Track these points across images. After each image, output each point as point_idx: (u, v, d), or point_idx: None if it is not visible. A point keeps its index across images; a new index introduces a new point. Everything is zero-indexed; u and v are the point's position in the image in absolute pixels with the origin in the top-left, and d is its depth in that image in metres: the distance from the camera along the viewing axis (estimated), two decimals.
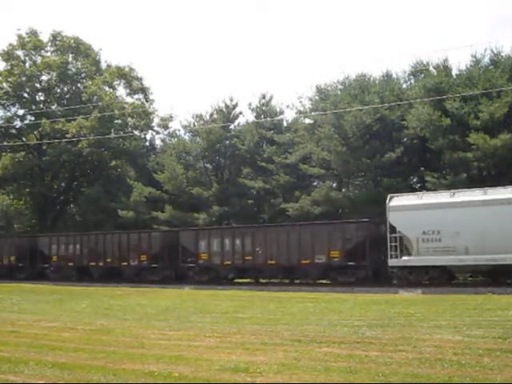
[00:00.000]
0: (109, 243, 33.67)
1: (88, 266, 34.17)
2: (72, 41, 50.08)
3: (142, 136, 49.89)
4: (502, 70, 30.68)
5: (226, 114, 42.34)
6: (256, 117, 42.26)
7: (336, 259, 26.49)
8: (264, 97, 42.47)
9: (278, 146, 39.26)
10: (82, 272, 34.45)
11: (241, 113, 43.17)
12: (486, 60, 33.07)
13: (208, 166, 44.81)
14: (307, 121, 40.73)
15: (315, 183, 39.54)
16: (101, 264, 33.63)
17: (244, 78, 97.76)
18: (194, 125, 44.01)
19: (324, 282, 28.80)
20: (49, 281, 33.87)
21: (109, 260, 33.33)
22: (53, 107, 49.64)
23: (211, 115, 43.15)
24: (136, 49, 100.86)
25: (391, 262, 24.56)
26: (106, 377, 7.99)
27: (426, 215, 24.01)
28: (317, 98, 40.17)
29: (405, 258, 24.34)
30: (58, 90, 50.63)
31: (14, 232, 50.36)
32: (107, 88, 49.41)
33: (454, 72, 33.84)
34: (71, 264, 34.70)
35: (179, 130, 46.91)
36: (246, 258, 28.84)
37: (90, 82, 48.59)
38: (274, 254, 28.09)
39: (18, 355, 9.66)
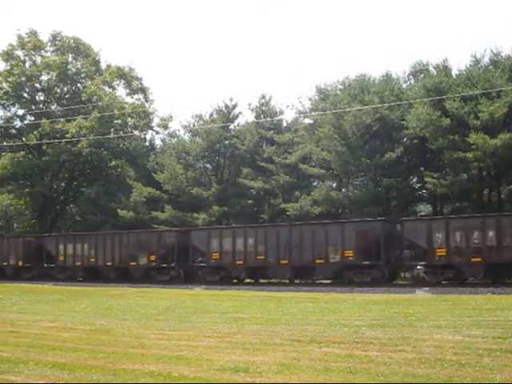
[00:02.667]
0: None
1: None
2: (72, 41, 50.11)
3: (142, 136, 49.96)
4: (501, 70, 30.71)
5: (226, 114, 42.35)
6: (256, 117, 42.28)
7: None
8: (264, 97, 42.53)
9: (278, 146, 39.28)
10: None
11: (240, 113, 43.32)
12: (486, 60, 33.15)
13: (208, 166, 44.84)
14: (307, 121, 40.80)
15: (315, 183, 39.57)
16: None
17: (244, 78, 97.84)
18: (194, 125, 44.05)
19: (324, 281, 28.83)
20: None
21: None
22: (52, 107, 49.66)
23: (211, 115, 43.19)
24: (136, 49, 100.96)
25: None
26: (106, 377, 7.98)
27: None
28: (316, 98, 40.21)
29: None
30: (58, 90, 50.64)
31: (18, 232, 50.34)
32: (107, 88, 49.47)
33: (454, 72, 33.95)
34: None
35: (179, 130, 47.08)
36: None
37: (90, 82, 48.61)
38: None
39: (17, 355, 9.65)
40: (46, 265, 36.03)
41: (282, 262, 27.88)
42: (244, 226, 32.58)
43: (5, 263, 37.24)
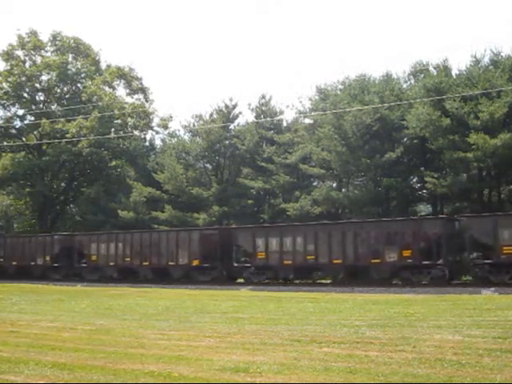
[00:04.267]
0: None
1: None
2: (72, 41, 50.14)
3: (142, 136, 49.96)
4: (501, 70, 30.71)
5: (226, 114, 42.36)
6: (256, 117, 42.30)
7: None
8: (264, 97, 42.56)
9: (278, 146, 39.29)
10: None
11: (240, 113, 43.36)
12: (486, 60, 33.16)
13: (208, 166, 44.86)
14: (307, 121, 40.81)
15: (315, 183, 39.58)
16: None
17: (244, 78, 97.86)
18: (194, 125, 44.06)
19: (324, 281, 28.80)
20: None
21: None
22: (53, 107, 49.68)
23: (211, 115, 43.21)
24: (136, 49, 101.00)
25: None
26: (106, 377, 7.98)
27: None
28: (317, 97, 40.23)
29: None
30: (58, 90, 50.65)
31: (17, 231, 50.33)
32: (107, 88, 49.50)
33: (454, 72, 33.96)
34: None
35: (179, 130, 47.10)
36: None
37: (90, 82, 48.63)
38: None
39: (17, 355, 9.65)
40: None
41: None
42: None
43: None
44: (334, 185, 38.56)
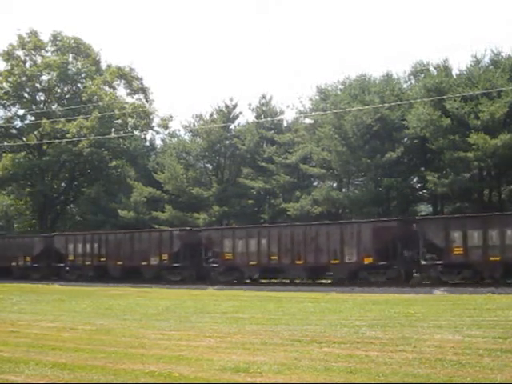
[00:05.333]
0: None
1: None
2: (72, 41, 50.12)
3: (142, 136, 49.93)
4: (502, 70, 30.70)
5: (226, 114, 42.34)
6: (256, 117, 42.28)
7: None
8: (264, 97, 42.54)
9: (279, 146, 39.28)
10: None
11: (241, 113, 43.31)
12: (486, 60, 33.14)
13: (208, 165, 44.85)
14: (307, 121, 40.80)
15: (315, 183, 39.57)
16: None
17: (244, 78, 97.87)
18: (194, 125, 44.03)
19: (324, 281, 28.82)
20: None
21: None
22: (53, 107, 49.67)
23: (211, 115, 43.18)
24: (136, 49, 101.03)
25: None
26: (107, 377, 7.98)
27: None
28: (317, 97, 40.22)
29: None
30: (59, 90, 50.65)
31: (14, 231, 50.38)
32: (107, 88, 49.48)
33: (454, 72, 33.95)
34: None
35: (179, 130, 47.05)
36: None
37: (90, 82, 48.63)
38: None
39: (18, 355, 9.65)
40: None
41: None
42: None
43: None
44: (335, 185, 38.55)
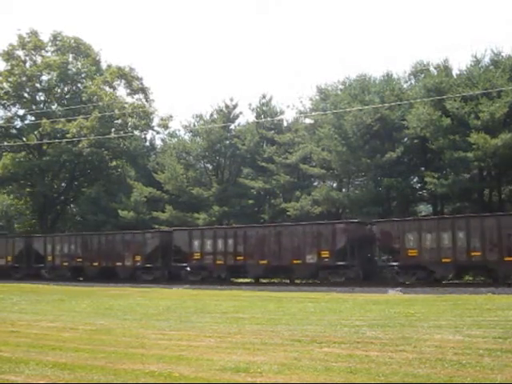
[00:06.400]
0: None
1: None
2: (72, 41, 50.12)
3: (142, 136, 49.91)
4: (502, 70, 30.69)
5: (226, 114, 42.34)
6: (256, 117, 42.26)
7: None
8: (264, 97, 42.52)
9: (279, 146, 39.27)
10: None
11: (241, 113, 43.32)
12: (487, 60, 33.13)
13: (208, 165, 44.84)
14: (307, 121, 40.79)
15: (315, 183, 39.55)
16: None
17: (244, 78, 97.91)
18: (194, 125, 44.02)
19: (324, 281, 28.84)
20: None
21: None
22: (53, 107, 49.67)
23: (211, 115, 43.18)
24: (136, 49, 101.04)
25: None
26: (107, 377, 7.98)
27: None
28: (317, 97, 40.22)
29: None
30: (59, 90, 50.65)
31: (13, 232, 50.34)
32: (107, 88, 49.44)
33: (455, 72, 33.94)
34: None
35: (179, 130, 47.02)
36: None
37: (90, 82, 48.61)
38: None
39: (18, 355, 9.65)
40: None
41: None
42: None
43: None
44: (335, 185, 38.54)
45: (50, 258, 35.66)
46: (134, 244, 32.73)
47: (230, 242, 29.24)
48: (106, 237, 34.55)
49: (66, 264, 35.00)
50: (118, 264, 32.98)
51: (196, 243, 30.15)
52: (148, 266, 31.98)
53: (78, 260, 34.67)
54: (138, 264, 32.23)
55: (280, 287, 26.81)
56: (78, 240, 35.07)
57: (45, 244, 36.08)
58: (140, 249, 32.30)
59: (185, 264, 30.63)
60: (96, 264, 33.89)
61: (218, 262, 29.54)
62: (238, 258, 29.09)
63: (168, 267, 31.55)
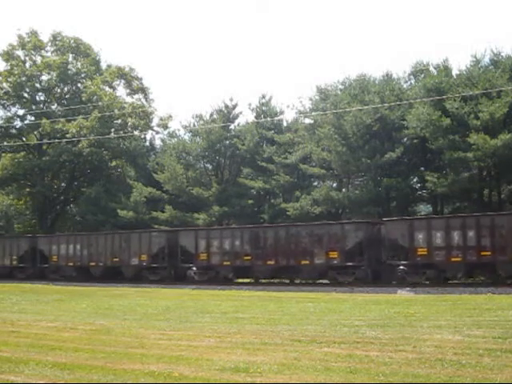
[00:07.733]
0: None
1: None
2: (72, 41, 50.07)
3: (142, 136, 49.85)
4: (502, 70, 30.69)
5: (226, 114, 42.33)
6: (256, 117, 42.23)
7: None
8: (264, 97, 42.47)
9: (278, 145, 39.24)
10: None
11: (241, 113, 43.27)
12: (486, 60, 33.14)
13: (208, 166, 44.82)
14: (307, 121, 40.74)
15: (315, 183, 39.53)
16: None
17: (244, 78, 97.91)
18: (194, 125, 44.00)
19: (324, 281, 28.83)
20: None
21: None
22: (53, 107, 49.64)
23: (211, 115, 43.14)
24: (136, 49, 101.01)
25: None
26: (107, 377, 7.99)
27: None
28: (317, 97, 40.18)
29: None
30: (58, 90, 50.62)
31: (14, 232, 50.36)
32: (107, 88, 49.42)
33: (454, 72, 33.92)
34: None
35: (179, 130, 46.93)
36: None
37: (90, 82, 48.54)
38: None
39: (18, 355, 9.66)
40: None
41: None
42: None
43: None
44: (334, 185, 38.51)
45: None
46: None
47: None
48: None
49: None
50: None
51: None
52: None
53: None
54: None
55: (280, 287, 26.78)
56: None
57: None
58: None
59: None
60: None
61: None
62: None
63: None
